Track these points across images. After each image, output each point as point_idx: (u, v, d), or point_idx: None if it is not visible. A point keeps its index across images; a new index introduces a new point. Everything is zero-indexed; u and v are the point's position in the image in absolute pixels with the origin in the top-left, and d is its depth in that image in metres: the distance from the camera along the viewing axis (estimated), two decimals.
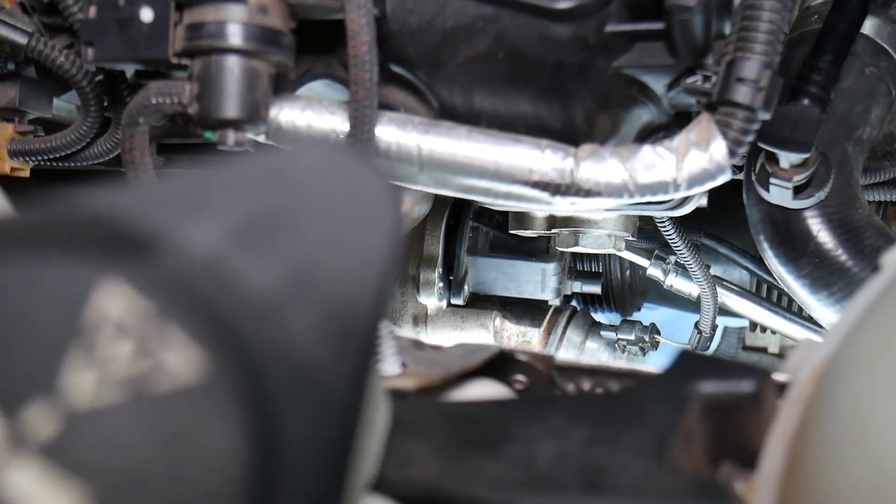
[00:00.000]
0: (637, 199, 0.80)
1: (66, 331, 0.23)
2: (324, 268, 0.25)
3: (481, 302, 1.47)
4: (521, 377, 0.62)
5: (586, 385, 0.61)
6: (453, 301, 1.43)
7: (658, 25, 0.76)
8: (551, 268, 1.44)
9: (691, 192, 0.80)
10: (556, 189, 0.80)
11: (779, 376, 0.50)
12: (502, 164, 0.80)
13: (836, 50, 0.93)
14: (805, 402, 0.44)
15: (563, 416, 0.47)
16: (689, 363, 0.49)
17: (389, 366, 0.56)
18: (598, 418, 0.47)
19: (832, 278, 1.00)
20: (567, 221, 1.23)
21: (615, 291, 1.59)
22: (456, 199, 1.43)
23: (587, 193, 0.79)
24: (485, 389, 0.58)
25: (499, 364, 0.61)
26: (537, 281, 1.44)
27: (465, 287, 1.42)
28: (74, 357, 0.23)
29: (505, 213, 1.39)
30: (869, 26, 1.04)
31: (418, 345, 0.65)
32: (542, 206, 0.85)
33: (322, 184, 0.27)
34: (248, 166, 0.27)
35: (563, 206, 0.82)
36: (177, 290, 0.24)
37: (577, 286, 1.53)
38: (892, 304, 0.42)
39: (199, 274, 0.25)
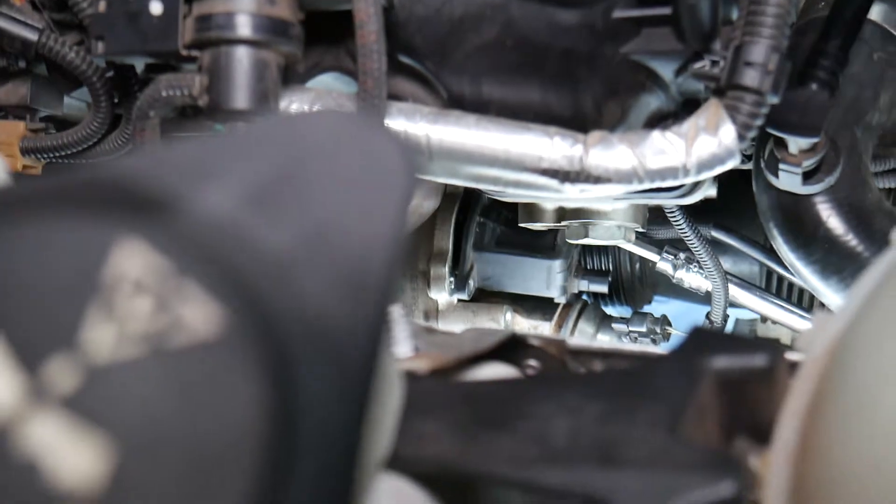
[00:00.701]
0: (647, 185, 0.80)
1: (85, 288, 0.23)
2: (338, 227, 0.26)
3: (492, 297, 1.47)
4: (533, 361, 0.62)
5: (598, 367, 0.61)
6: (457, 295, 1.43)
7: (665, 11, 0.76)
8: (557, 265, 1.44)
9: (701, 177, 0.80)
10: (565, 176, 0.80)
11: (792, 354, 0.50)
12: (512, 151, 0.80)
13: (843, 35, 0.93)
14: (817, 378, 0.44)
15: (576, 393, 0.47)
16: (702, 339, 0.49)
17: (402, 348, 0.57)
18: (612, 394, 0.47)
19: (842, 263, 1.00)
20: (577, 213, 1.23)
21: (625, 285, 1.58)
22: (465, 195, 1.43)
23: (597, 180, 0.79)
24: (497, 372, 0.59)
25: (511, 348, 0.61)
26: (542, 278, 1.43)
27: (471, 282, 1.42)
28: (94, 313, 0.23)
29: (512, 210, 1.39)
30: (877, 12, 1.04)
31: (430, 330, 0.65)
32: (552, 194, 0.85)
33: (335, 145, 0.27)
34: (263, 130, 0.28)
35: (573, 194, 0.82)
36: (194, 249, 0.24)
37: (584, 284, 1.53)
38: None
39: (216, 233, 0.25)
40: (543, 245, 1.46)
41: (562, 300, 1.47)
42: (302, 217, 0.26)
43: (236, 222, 0.25)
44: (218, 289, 0.24)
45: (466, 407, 0.49)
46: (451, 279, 1.41)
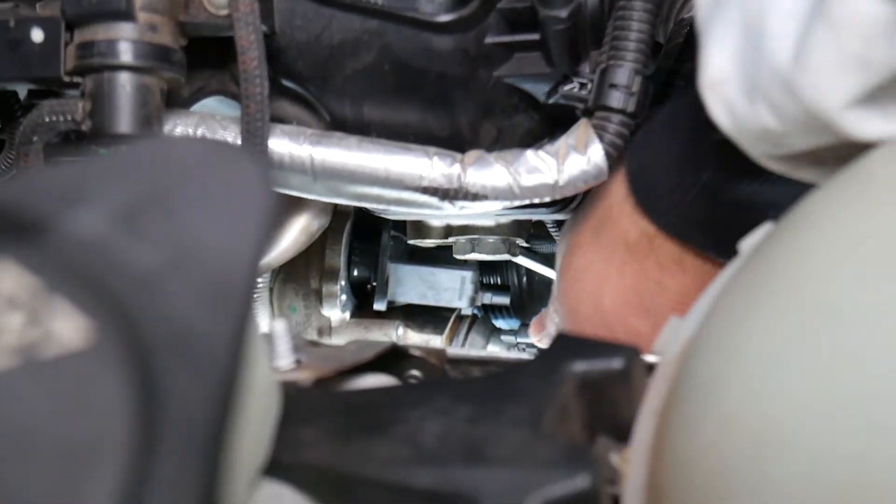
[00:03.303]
0: (522, 202, 0.84)
1: None
2: (202, 244, 0.28)
3: (384, 313, 1.49)
4: (415, 371, 0.64)
5: (476, 374, 0.64)
6: (377, 307, 1.44)
7: (534, 36, 0.81)
8: (469, 276, 1.47)
9: (572, 193, 0.84)
10: (444, 194, 0.83)
11: (649, 357, 0.53)
12: (393, 171, 0.84)
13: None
14: (670, 379, 0.47)
15: (447, 397, 0.50)
16: (566, 344, 0.53)
17: (284, 361, 0.59)
18: (480, 397, 0.50)
19: None
20: (463, 230, 1.26)
21: (514, 299, 1.63)
22: (358, 212, 1.46)
23: (475, 197, 0.83)
24: (377, 382, 0.61)
25: (392, 358, 0.64)
26: (456, 289, 1.46)
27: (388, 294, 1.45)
28: None
29: None
30: None
31: (314, 343, 0.67)
32: (433, 212, 0.88)
33: (201, 169, 0.30)
34: (134, 154, 0.30)
35: (453, 211, 0.86)
36: (63, 267, 0.27)
37: (489, 297, 1.57)
38: (740, 284, 0.46)
39: (85, 253, 0.27)
40: (455, 258, 1.49)
41: (468, 311, 1.50)
42: (168, 236, 0.28)
43: (105, 242, 0.28)
44: (85, 303, 0.26)
45: (344, 414, 0.52)
46: (343, 297, 1.43)
